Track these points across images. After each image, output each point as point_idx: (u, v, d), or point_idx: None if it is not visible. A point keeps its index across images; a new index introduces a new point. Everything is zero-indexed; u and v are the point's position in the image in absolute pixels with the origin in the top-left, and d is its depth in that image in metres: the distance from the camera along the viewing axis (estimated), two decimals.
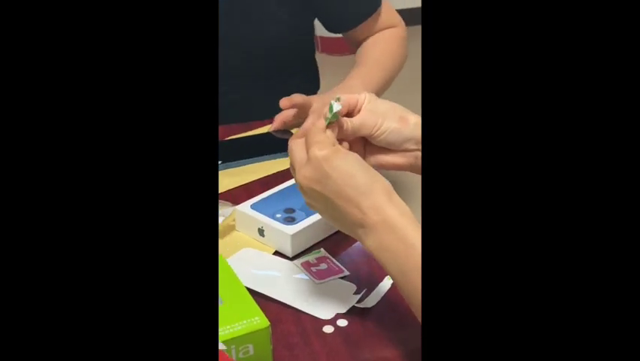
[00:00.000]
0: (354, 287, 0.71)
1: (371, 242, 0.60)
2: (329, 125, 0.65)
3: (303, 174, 0.63)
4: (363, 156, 0.67)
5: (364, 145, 0.69)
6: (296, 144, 0.65)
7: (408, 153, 0.68)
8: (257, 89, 1.19)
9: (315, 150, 0.62)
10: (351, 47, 1.21)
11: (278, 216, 0.78)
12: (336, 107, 0.65)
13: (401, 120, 0.67)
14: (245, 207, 0.80)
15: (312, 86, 1.28)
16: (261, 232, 0.78)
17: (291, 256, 0.76)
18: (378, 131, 0.66)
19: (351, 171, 0.61)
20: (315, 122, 0.65)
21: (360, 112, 0.67)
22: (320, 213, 0.65)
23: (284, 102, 0.96)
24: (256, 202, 0.81)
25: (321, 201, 0.62)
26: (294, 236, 0.75)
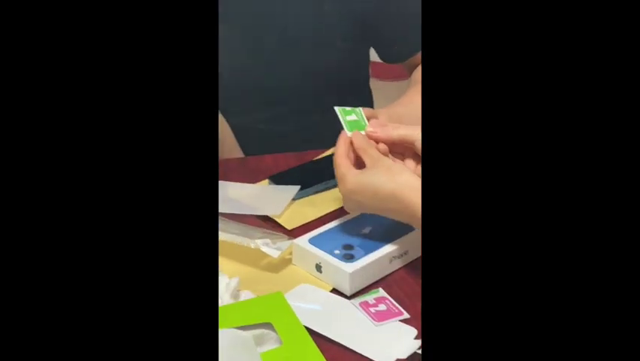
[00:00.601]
0: (415, 331, 0.69)
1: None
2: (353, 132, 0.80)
3: (345, 206, 0.80)
4: (415, 166, 0.80)
5: (415, 157, 0.81)
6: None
7: None
8: (310, 116, 1.18)
9: (341, 188, 0.78)
10: (407, 72, 1.20)
11: (336, 252, 0.76)
12: (350, 118, 0.82)
13: None
14: (303, 241, 0.79)
15: None
16: (318, 267, 0.76)
17: (349, 295, 0.74)
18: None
19: (374, 189, 0.74)
20: (339, 157, 0.78)
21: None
22: None
23: None
24: (314, 237, 0.79)
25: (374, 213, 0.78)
26: (352, 274, 0.73)
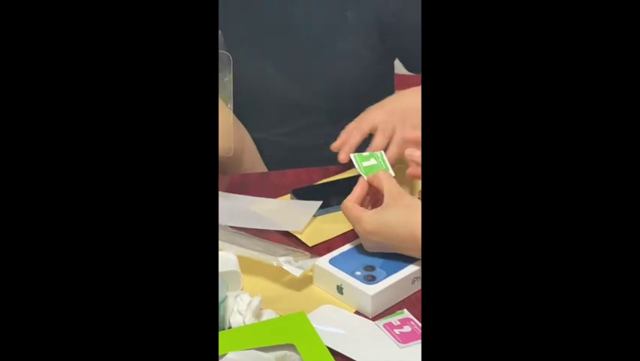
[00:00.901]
0: None
1: None
2: (369, 175, 0.80)
3: (364, 245, 0.78)
4: None
5: None
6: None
7: None
8: (335, 130, 1.17)
9: (357, 228, 0.77)
10: None
11: (358, 273, 0.75)
12: (368, 164, 0.81)
13: None
14: (323, 262, 0.77)
15: None
16: (339, 289, 0.75)
17: (370, 317, 0.72)
18: None
19: (392, 230, 0.74)
20: (349, 202, 0.78)
21: None
22: None
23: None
24: (335, 257, 0.78)
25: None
26: (374, 297, 0.72)
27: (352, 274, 0.74)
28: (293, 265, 0.77)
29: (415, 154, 0.82)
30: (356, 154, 0.83)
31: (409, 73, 1.24)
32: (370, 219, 0.75)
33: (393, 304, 0.74)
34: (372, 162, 0.82)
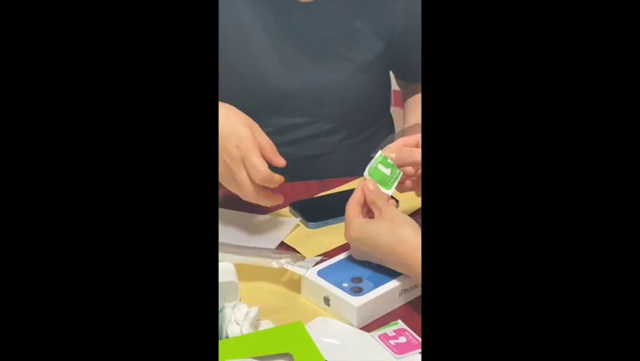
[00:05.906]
0: None
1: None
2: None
3: (352, 253, 0.80)
4: None
5: None
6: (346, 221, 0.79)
7: None
8: (333, 142, 1.17)
9: (345, 234, 0.79)
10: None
11: (345, 285, 0.75)
12: (381, 168, 0.81)
13: None
14: (312, 273, 0.78)
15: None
16: (326, 300, 0.76)
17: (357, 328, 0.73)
18: None
19: (374, 241, 0.75)
20: (351, 203, 0.79)
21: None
22: None
23: None
24: (323, 269, 0.78)
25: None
26: (360, 308, 0.73)
27: (339, 286, 0.75)
28: (295, 265, 0.78)
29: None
30: (384, 154, 0.81)
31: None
32: (357, 227, 0.77)
33: (379, 316, 0.75)
34: (388, 171, 0.81)
